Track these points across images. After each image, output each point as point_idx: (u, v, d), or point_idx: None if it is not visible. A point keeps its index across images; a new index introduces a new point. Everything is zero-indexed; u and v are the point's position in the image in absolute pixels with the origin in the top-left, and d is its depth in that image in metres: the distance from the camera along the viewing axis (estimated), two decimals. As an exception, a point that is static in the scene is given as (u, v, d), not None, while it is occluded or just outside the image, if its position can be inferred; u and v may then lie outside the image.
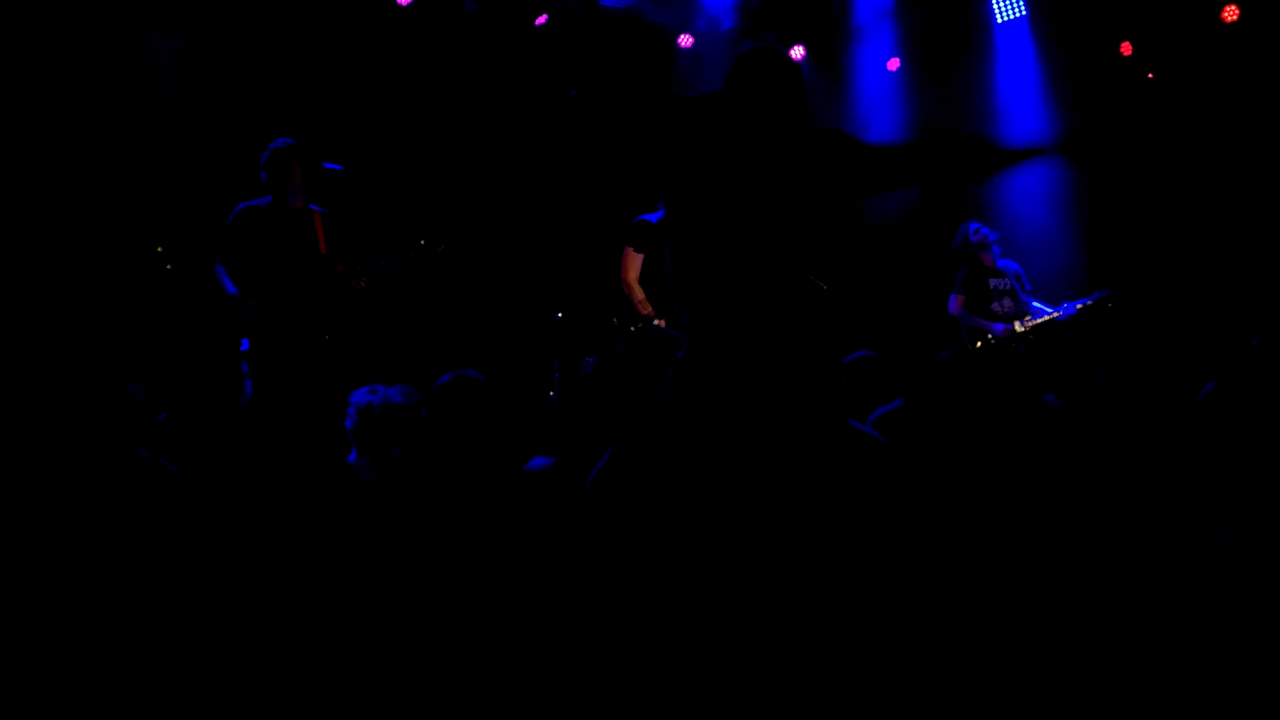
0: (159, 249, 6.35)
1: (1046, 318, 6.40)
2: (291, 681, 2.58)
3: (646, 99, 2.91)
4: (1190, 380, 4.03)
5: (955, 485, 3.33)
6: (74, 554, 2.52)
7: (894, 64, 7.90)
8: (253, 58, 6.66)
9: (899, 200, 7.79)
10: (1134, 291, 6.98)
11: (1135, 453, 3.40)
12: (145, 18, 6.29)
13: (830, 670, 2.49)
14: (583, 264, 7.40)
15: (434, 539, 2.81)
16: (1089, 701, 2.52)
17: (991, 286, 6.48)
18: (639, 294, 5.47)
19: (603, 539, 2.74)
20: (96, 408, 2.72)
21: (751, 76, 2.93)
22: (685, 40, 7.70)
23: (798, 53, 7.76)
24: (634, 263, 5.51)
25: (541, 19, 7.38)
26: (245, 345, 4.93)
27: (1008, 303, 6.45)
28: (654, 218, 5.40)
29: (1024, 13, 7.75)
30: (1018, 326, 6.39)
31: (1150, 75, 7.47)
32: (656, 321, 5.30)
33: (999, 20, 7.85)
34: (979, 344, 6.39)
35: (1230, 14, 7.07)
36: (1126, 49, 7.44)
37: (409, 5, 7.01)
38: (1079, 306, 6.38)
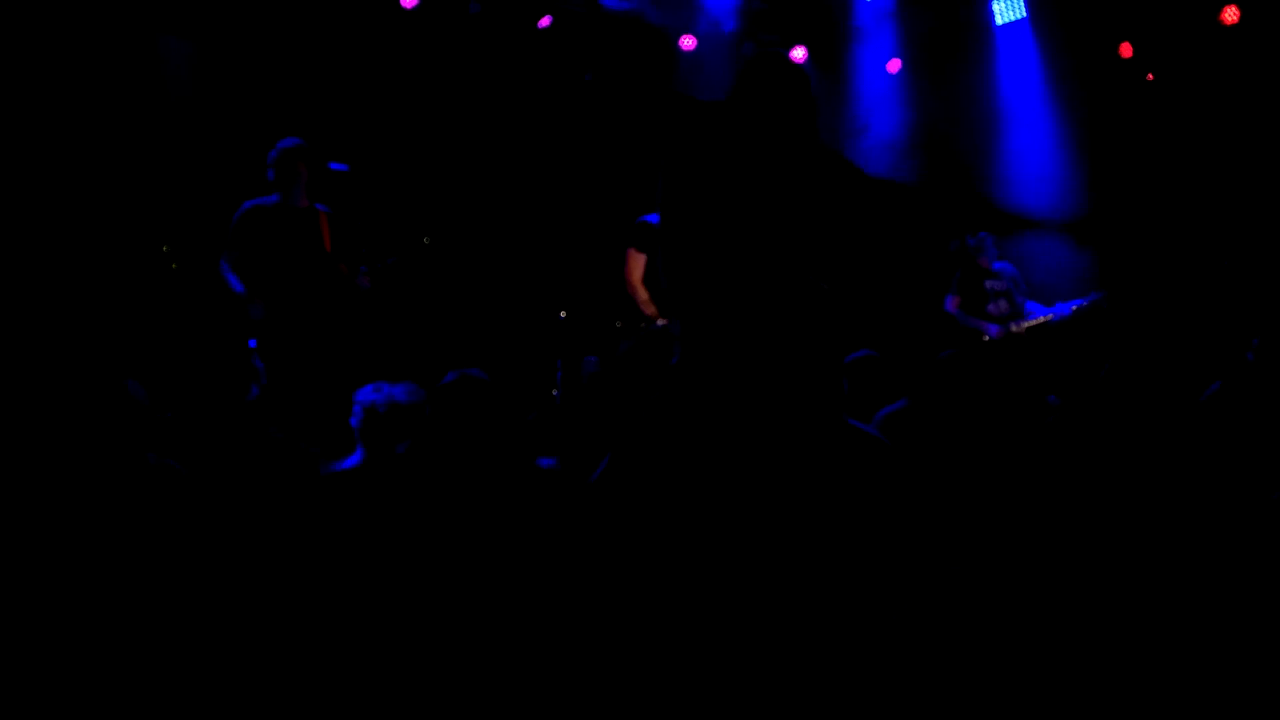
0: (164, 248, 6.37)
1: (1041, 319, 6.44)
2: (299, 680, 2.59)
3: (652, 95, 2.86)
4: (1193, 379, 4.04)
5: (958, 484, 3.35)
6: (76, 554, 2.53)
7: (894, 65, 7.91)
8: (259, 60, 6.68)
9: (899, 200, 7.79)
10: (1135, 291, 6.99)
11: (1137, 451, 3.41)
12: (159, 21, 6.32)
13: (828, 670, 2.50)
14: (585, 264, 7.41)
15: (439, 538, 2.82)
16: (1088, 701, 2.53)
17: (987, 288, 6.53)
18: (643, 295, 5.47)
19: (602, 543, 2.75)
20: (96, 406, 2.72)
21: (758, 84, 2.91)
22: (687, 42, 7.72)
23: (799, 54, 7.77)
24: (637, 264, 5.52)
25: (545, 21, 7.41)
26: (253, 343, 4.95)
27: (1003, 304, 6.50)
28: (656, 219, 5.40)
29: (1024, 14, 7.75)
30: (1012, 328, 6.43)
31: (1150, 77, 7.48)
32: (660, 322, 5.31)
33: (999, 22, 7.86)
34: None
35: (1230, 16, 7.08)
36: (1126, 50, 7.44)
37: (414, 7, 7.03)
38: (1074, 308, 6.41)
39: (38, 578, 2.48)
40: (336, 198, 5.40)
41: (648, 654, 2.52)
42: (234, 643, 2.61)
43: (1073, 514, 3.21)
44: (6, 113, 5.70)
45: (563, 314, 6.40)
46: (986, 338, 6.43)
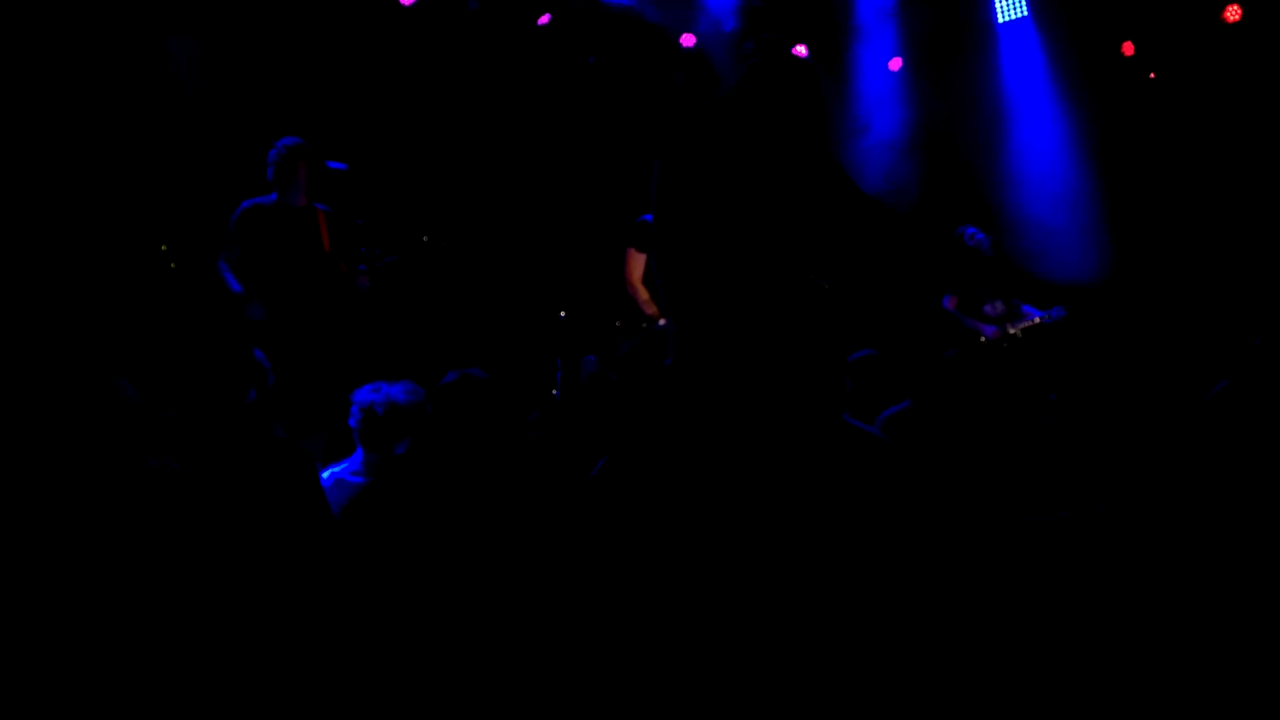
0: (163, 247, 6.35)
1: (1036, 320, 6.53)
2: (299, 681, 2.58)
3: (651, 85, 2.83)
4: (1197, 378, 4.03)
5: (961, 485, 3.33)
6: (73, 556, 2.51)
7: (895, 64, 7.89)
8: (256, 58, 6.66)
9: (900, 198, 7.78)
10: (1138, 290, 7.00)
11: (1139, 450, 3.40)
12: (167, 21, 6.31)
13: (826, 670, 2.49)
14: (585, 263, 7.40)
15: (440, 538, 2.81)
16: (1089, 702, 2.52)
17: (984, 288, 6.60)
18: (644, 294, 5.47)
19: (600, 543, 2.73)
20: (94, 407, 2.71)
21: (763, 82, 2.87)
22: (688, 40, 7.71)
23: (799, 52, 7.76)
24: (637, 263, 5.51)
25: (544, 18, 7.39)
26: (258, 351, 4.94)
27: (999, 305, 6.59)
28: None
29: (1026, 13, 7.74)
30: (1009, 329, 6.51)
31: (1152, 75, 7.47)
32: (662, 322, 5.30)
33: (1000, 20, 7.84)
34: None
35: (1232, 14, 7.07)
36: (1128, 49, 7.44)
37: (412, 4, 7.01)
38: (1067, 311, 6.51)
39: (35, 580, 2.46)
40: (335, 196, 5.38)
41: (645, 654, 2.50)
42: (236, 643, 2.60)
43: (1075, 514, 3.19)
44: (7, 111, 5.68)
45: (562, 314, 6.38)
46: (983, 338, 6.50)
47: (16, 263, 5.60)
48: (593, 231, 7.36)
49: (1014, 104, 7.90)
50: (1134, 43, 7.44)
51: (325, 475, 3.75)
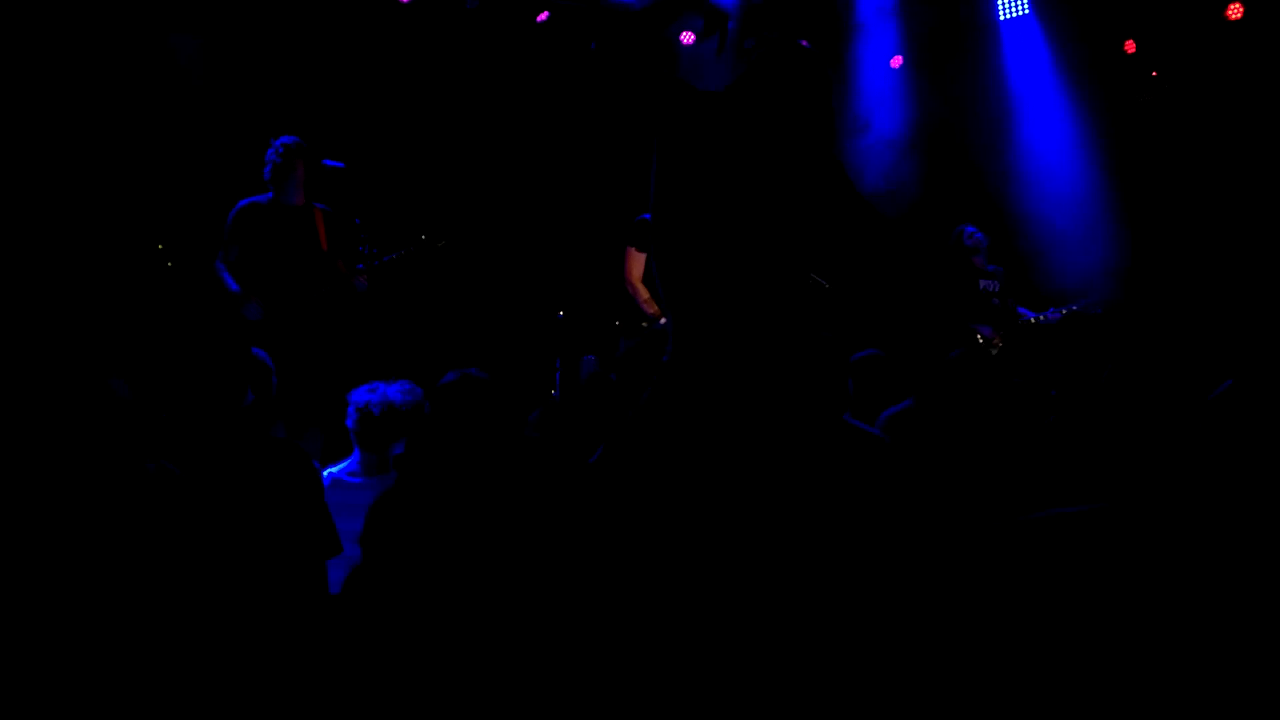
0: (159, 246, 6.32)
1: (1031, 320, 6.63)
2: (298, 682, 2.57)
3: (651, 75, 2.76)
4: (1202, 378, 4.00)
5: (962, 484, 3.30)
6: (68, 559, 2.49)
7: (897, 61, 7.87)
8: (252, 56, 6.62)
9: (901, 197, 7.76)
10: (1142, 290, 7.00)
11: (1141, 449, 3.37)
12: (166, 18, 6.28)
13: (824, 673, 2.46)
14: (584, 262, 7.37)
15: (439, 538, 2.78)
16: (1089, 703, 2.50)
17: (981, 288, 6.69)
18: (644, 294, 5.44)
19: (597, 543, 2.70)
20: (89, 408, 2.68)
21: (768, 74, 2.81)
22: (687, 38, 7.68)
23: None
24: (637, 262, 5.49)
25: (543, 16, 7.36)
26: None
27: (997, 304, 6.67)
28: (654, 216, 5.37)
29: (1028, 10, 7.72)
30: (1003, 332, 6.59)
31: (1154, 73, 7.46)
32: (663, 321, 5.28)
33: (1002, 17, 7.82)
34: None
35: (1234, 12, 7.06)
36: (1130, 47, 7.42)
37: (410, 2, 6.98)
38: (1063, 313, 6.61)
39: (30, 583, 2.43)
40: (333, 195, 5.35)
41: (644, 656, 2.48)
42: (232, 647, 2.59)
43: (1074, 511, 3.16)
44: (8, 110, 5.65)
45: (561, 313, 6.36)
46: (980, 338, 6.54)
47: (12, 261, 5.57)
48: (591, 230, 7.34)
49: (1017, 101, 7.89)
50: (1136, 41, 7.42)
51: (323, 476, 3.72)
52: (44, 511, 2.50)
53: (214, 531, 2.74)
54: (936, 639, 2.62)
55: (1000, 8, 7.81)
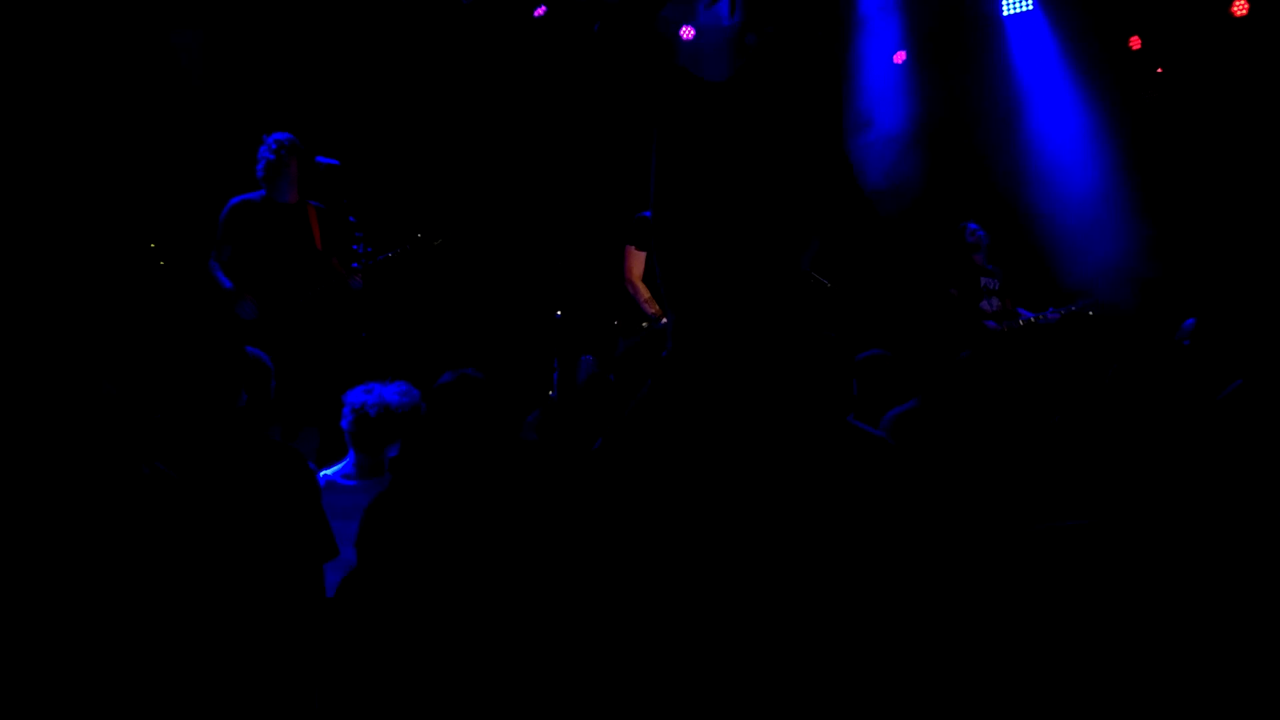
0: (151, 245, 6.27)
1: (1029, 320, 6.67)
2: (295, 685, 2.54)
3: (652, 63, 2.70)
4: (1211, 377, 3.96)
5: (966, 486, 3.27)
6: (63, 562, 2.46)
7: (900, 57, 7.83)
8: (246, 51, 6.58)
9: (904, 193, 7.73)
10: (1148, 288, 7.01)
11: (1146, 450, 3.33)
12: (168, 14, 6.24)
13: (823, 673, 2.42)
14: (582, 261, 7.33)
15: (435, 541, 2.74)
16: (1090, 704, 2.48)
17: (982, 285, 6.75)
18: (644, 293, 5.40)
19: (595, 544, 2.66)
20: (83, 409, 2.65)
21: (771, 65, 2.75)
22: (687, 33, 7.64)
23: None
24: (636, 261, 5.45)
25: (540, 10, 7.31)
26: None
27: (996, 302, 6.73)
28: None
29: (1032, 6, 7.67)
30: (1006, 328, 6.63)
31: (1160, 70, 7.43)
32: (664, 320, 5.23)
33: (1006, 12, 7.78)
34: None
35: (1240, 8, 7.03)
36: (1135, 43, 7.40)
37: (406, -3, 6.94)
38: (1062, 313, 6.67)
39: (29, 585, 2.40)
40: (327, 192, 5.30)
41: (641, 657, 2.44)
42: (229, 651, 2.58)
43: (1078, 511, 3.13)
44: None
45: (559, 313, 6.31)
46: (988, 310, 6.62)
47: (3, 263, 5.52)
48: (589, 228, 7.30)
49: (1022, 97, 7.87)
50: (1141, 37, 7.40)
51: (318, 478, 3.68)
52: (39, 515, 2.49)
53: (210, 536, 2.72)
54: (937, 643, 2.59)
55: (1004, 3, 7.76)
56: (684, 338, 2.69)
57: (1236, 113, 7.19)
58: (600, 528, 2.65)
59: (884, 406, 3.74)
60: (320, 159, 5.22)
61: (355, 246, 5.23)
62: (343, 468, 3.75)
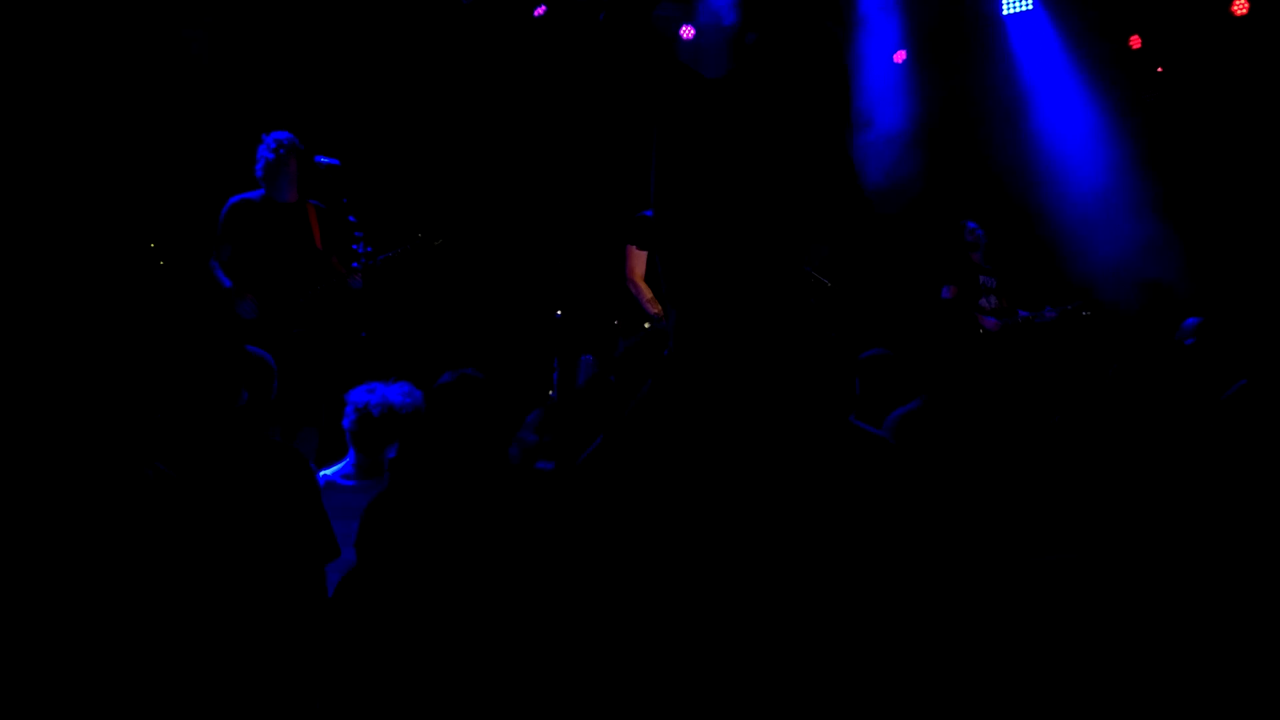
0: (151, 244, 6.26)
1: (1027, 318, 6.74)
2: (298, 685, 2.56)
3: (654, 58, 2.65)
4: (1213, 376, 3.95)
5: (972, 488, 3.25)
6: (63, 563, 2.45)
7: (900, 56, 7.83)
8: (246, 51, 6.56)
9: (904, 192, 7.73)
10: (1153, 286, 7.01)
11: (1147, 450, 3.32)
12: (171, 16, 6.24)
13: (823, 675, 2.42)
14: (582, 261, 7.33)
15: (434, 541, 2.73)
16: (1090, 704, 2.48)
17: (981, 283, 6.81)
18: (646, 293, 5.38)
19: (594, 545, 2.65)
20: (82, 410, 2.64)
21: (774, 56, 2.68)
22: (687, 32, 7.63)
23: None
24: (638, 260, 5.43)
25: (540, 10, 7.31)
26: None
27: (994, 301, 6.79)
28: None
29: (1031, 5, 7.67)
30: (1004, 324, 6.68)
31: (1160, 69, 7.43)
32: (666, 320, 5.22)
33: (1006, 11, 7.78)
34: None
35: (1240, 7, 7.03)
36: (1136, 42, 7.40)
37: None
38: (1058, 312, 6.73)
39: (34, 586, 2.40)
40: (327, 192, 5.28)
41: (640, 658, 2.43)
42: (233, 650, 2.58)
43: (1079, 512, 3.13)
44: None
45: (559, 312, 6.31)
46: (982, 330, 6.61)
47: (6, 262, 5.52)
48: (590, 228, 7.30)
49: (1023, 96, 7.88)
50: (1141, 36, 7.40)
51: (317, 478, 3.67)
52: (42, 516, 2.49)
53: (212, 536, 2.71)
54: (938, 645, 2.58)
55: (1004, 2, 7.76)
56: (686, 336, 2.67)
57: (1236, 112, 7.19)
58: (599, 527, 2.64)
59: (886, 406, 3.73)
60: (320, 158, 5.20)
61: (355, 246, 5.22)
62: (342, 468, 3.74)
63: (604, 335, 5.81)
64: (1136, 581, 2.82)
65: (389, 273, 5.37)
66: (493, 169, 7.46)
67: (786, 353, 2.63)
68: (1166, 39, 7.41)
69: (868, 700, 2.43)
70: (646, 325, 5.39)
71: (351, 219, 5.24)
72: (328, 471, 3.76)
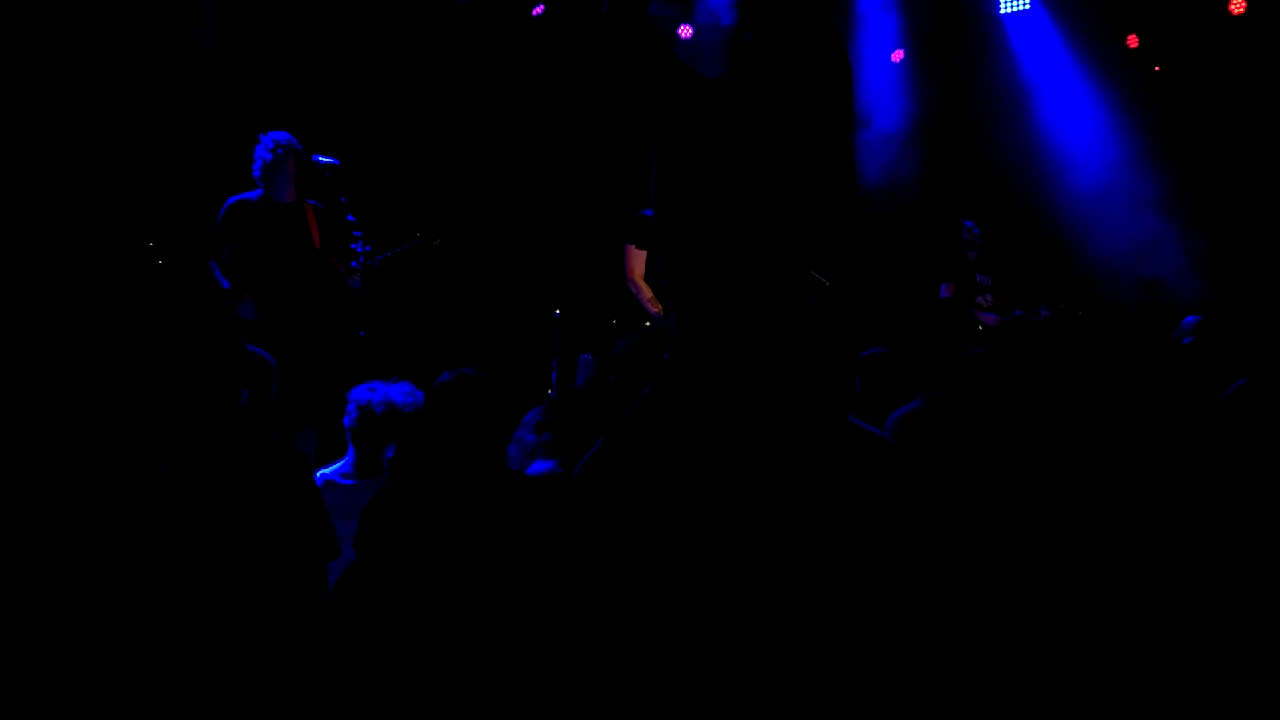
0: (150, 244, 6.26)
1: (1022, 315, 6.78)
2: (299, 686, 2.56)
3: (655, 56, 2.62)
4: (1213, 375, 3.95)
5: (974, 489, 3.25)
6: (63, 563, 2.45)
7: (898, 56, 7.83)
8: (246, 51, 6.56)
9: (901, 191, 7.74)
10: (1149, 288, 7.02)
11: (1145, 450, 3.33)
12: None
13: (823, 676, 2.42)
14: (581, 260, 7.32)
15: (435, 538, 2.73)
16: (1090, 703, 2.48)
17: (978, 281, 6.86)
18: (647, 292, 5.38)
19: (594, 547, 2.65)
20: (79, 410, 2.64)
21: (774, 51, 2.63)
22: (685, 31, 7.63)
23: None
24: (638, 260, 5.43)
25: (538, 9, 7.30)
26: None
27: (990, 298, 6.87)
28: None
29: (1028, 5, 7.68)
30: (1002, 321, 6.73)
31: (1157, 68, 7.44)
32: (666, 318, 5.22)
33: (1003, 11, 7.78)
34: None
35: (1237, 6, 7.03)
36: (1133, 41, 7.40)
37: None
38: (1052, 311, 6.77)
39: (36, 587, 2.41)
40: (326, 191, 5.28)
41: (639, 659, 2.43)
42: (236, 651, 2.58)
43: (1078, 512, 3.13)
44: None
45: (558, 312, 6.30)
46: (982, 327, 6.67)
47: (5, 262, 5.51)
48: (589, 227, 7.29)
49: (1021, 95, 7.89)
50: (1139, 35, 7.40)
51: (316, 477, 3.67)
52: (45, 517, 2.48)
53: (214, 537, 2.70)
54: (937, 645, 2.58)
55: (1001, 1, 7.77)
56: (686, 340, 2.66)
57: (1234, 111, 7.20)
58: (598, 527, 2.64)
59: (886, 405, 3.73)
60: (319, 157, 5.20)
61: (354, 245, 5.21)
62: (341, 466, 3.74)
63: (603, 334, 5.81)
64: (1135, 581, 2.82)
65: (388, 272, 5.36)
66: (491, 168, 7.45)
67: (787, 356, 2.62)
68: (1164, 38, 7.42)
69: (868, 700, 2.43)
70: (647, 324, 5.39)
71: (350, 218, 5.23)
72: (326, 470, 3.76)
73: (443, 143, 7.31)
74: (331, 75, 6.80)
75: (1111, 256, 7.35)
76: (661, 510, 2.55)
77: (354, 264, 5.17)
